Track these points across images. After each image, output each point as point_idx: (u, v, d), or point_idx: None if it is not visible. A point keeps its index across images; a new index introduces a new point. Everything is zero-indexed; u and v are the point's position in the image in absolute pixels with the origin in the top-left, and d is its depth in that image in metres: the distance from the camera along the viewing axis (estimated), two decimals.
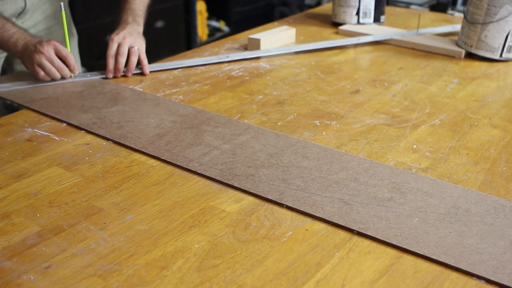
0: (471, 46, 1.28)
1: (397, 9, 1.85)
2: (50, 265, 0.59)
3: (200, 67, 1.21)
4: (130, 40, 1.13)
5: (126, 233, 0.64)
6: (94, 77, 1.13)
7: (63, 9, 1.10)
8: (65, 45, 1.11)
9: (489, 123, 0.96)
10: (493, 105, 1.04)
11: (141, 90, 1.07)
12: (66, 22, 1.11)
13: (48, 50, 1.03)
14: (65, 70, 1.07)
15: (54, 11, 1.27)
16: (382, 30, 1.48)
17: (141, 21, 1.21)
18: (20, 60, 1.08)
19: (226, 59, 1.21)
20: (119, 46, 1.12)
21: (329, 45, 1.34)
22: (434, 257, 0.60)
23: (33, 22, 1.24)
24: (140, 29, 1.19)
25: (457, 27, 1.46)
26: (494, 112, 1.00)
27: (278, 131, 0.90)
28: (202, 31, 3.16)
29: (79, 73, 1.12)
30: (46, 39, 1.06)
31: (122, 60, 1.12)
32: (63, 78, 1.09)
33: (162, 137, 0.87)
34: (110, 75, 1.13)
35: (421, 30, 1.44)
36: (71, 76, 1.10)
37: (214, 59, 1.22)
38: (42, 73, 1.05)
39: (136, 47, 1.13)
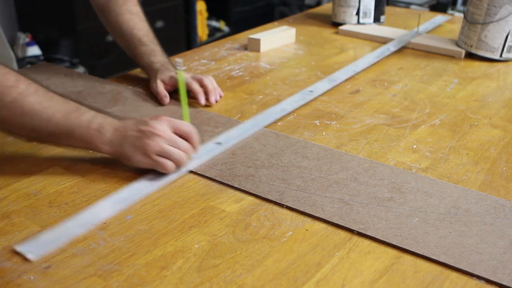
0: (471, 46, 1.28)
1: (397, 9, 1.85)
2: (50, 265, 0.59)
3: (200, 67, 1.21)
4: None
5: (126, 233, 0.64)
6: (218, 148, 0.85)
7: (182, 67, 0.81)
8: (182, 115, 0.82)
9: (489, 123, 0.96)
10: (493, 105, 1.04)
11: (141, 90, 1.07)
12: (182, 86, 0.81)
13: (165, 131, 0.74)
14: (191, 151, 0.76)
15: None
16: (382, 30, 1.48)
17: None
18: (112, 154, 0.75)
19: (311, 96, 1.05)
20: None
21: (368, 63, 1.24)
22: (434, 257, 0.60)
23: None
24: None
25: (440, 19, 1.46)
26: (494, 112, 1.00)
27: (278, 131, 0.90)
28: (202, 31, 3.16)
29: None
30: (149, 116, 0.77)
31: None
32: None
33: None
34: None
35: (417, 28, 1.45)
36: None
37: (299, 99, 1.03)
38: (169, 163, 0.73)
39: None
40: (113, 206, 0.69)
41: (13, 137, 0.81)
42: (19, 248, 0.60)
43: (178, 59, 0.80)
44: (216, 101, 1.02)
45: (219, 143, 0.84)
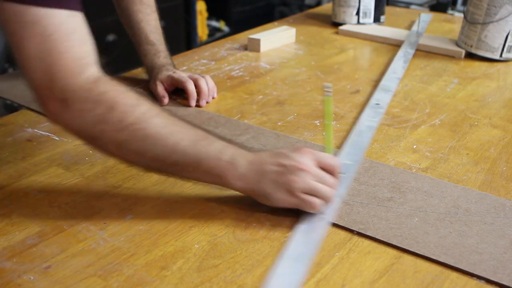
0: (471, 46, 1.28)
1: (397, 9, 1.85)
2: (50, 265, 0.59)
3: (200, 67, 1.21)
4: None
5: (126, 233, 0.64)
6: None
7: (330, 93, 0.70)
8: (325, 147, 0.74)
9: (489, 123, 0.96)
10: (493, 105, 1.04)
11: (141, 90, 1.07)
12: (328, 113, 0.71)
13: (311, 165, 0.65)
14: (337, 186, 0.68)
15: None
16: (382, 30, 1.48)
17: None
18: (245, 191, 0.67)
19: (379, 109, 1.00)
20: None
21: (403, 68, 1.21)
22: (434, 257, 0.60)
23: None
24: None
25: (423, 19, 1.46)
26: (494, 112, 1.00)
27: (278, 131, 0.90)
28: (202, 31, 3.15)
29: None
30: (287, 148, 0.68)
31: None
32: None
33: None
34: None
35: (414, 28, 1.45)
36: None
37: (373, 114, 0.97)
38: (318, 201, 0.65)
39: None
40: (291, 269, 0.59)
41: (130, 166, 0.71)
42: None
43: (327, 84, 0.70)
44: (208, 102, 1.02)
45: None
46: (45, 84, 0.60)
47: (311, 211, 0.66)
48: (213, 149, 0.65)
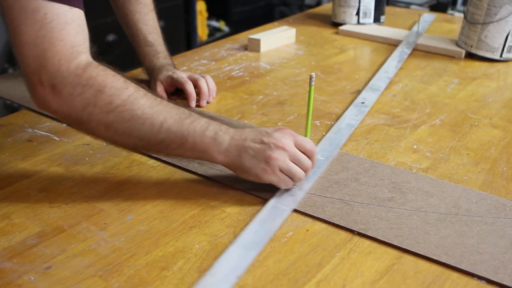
0: (471, 46, 1.28)
1: (397, 9, 1.85)
2: (50, 266, 0.59)
3: (200, 68, 1.21)
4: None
5: (126, 234, 0.64)
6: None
7: (313, 82, 0.75)
8: (305, 132, 0.78)
9: (490, 123, 0.96)
10: (494, 105, 1.04)
11: None
12: (310, 101, 0.76)
13: (290, 145, 0.68)
14: (310, 170, 0.71)
15: None
16: (382, 30, 1.48)
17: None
18: (227, 165, 0.70)
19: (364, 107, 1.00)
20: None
21: (396, 68, 1.21)
22: (435, 257, 0.60)
23: None
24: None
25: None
26: (495, 112, 1.00)
27: None
28: (202, 31, 3.15)
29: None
30: (270, 128, 0.71)
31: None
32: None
33: None
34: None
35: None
36: None
37: (357, 112, 0.97)
38: (290, 182, 0.69)
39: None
40: (246, 251, 0.61)
41: (116, 146, 0.73)
42: None
43: (312, 74, 0.74)
44: (208, 102, 1.02)
45: None
46: (37, 70, 0.62)
47: (283, 188, 0.70)
48: (197, 126, 0.68)
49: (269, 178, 0.68)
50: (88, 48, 0.66)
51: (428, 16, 1.65)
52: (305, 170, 0.69)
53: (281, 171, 0.68)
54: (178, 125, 0.67)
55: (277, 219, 0.67)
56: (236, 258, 0.59)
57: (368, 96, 1.05)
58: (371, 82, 1.12)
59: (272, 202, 0.70)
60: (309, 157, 0.70)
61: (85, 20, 0.66)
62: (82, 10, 0.65)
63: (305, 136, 0.76)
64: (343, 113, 0.98)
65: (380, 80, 1.13)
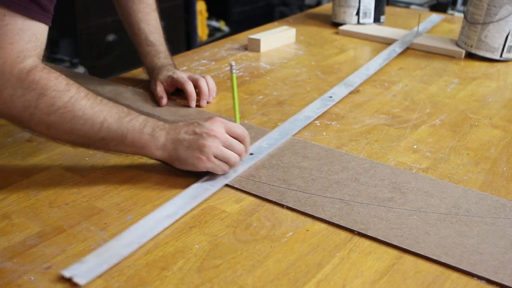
0: (471, 46, 1.28)
1: (397, 9, 1.85)
2: (50, 266, 0.59)
3: (200, 68, 1.21)
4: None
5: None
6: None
7: (234, 71, 0.79)
8: (235, 118, 0.82)
9: (490, 123, 0.96)
10: (494, 105, 1.04)
11: (141, 90, 1.06)
12: (235, 89, 0.80)
13: (221, 133, 0.73)
14: (244, 154, 0.76)
15: None
16: (382, 30, 1.48)
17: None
18: (165, 159, 0.75)
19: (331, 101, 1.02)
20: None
21: (379, 66, 1.22)
22: (435, 258, 0.60)
23: None
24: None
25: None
26: (495, 112, 1.00)
27: None
28: (202, 31, 3.15)
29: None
30: (202, 119, 0.75)
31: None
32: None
33: None
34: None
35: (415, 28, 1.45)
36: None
37: (321, 106, 0.99)
38: (226, 167, 0.74)
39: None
40: (158, 223, 0.65)
41: (59, 143, 0.77)
42: (67, 273, 0.56)
43: (232, 62, 0.79)
44: (208, 102, 1.02)
45: (251, 154, 0.81)
46: None
47: (220, 173, 0.74)
48: (136, 124, 0.72)
49: (204, 165, 0.72)
50: (39, 55, 0.69)
51: (435, 17, 1.64)
52: (239, 154, 0.74)
53: (215, 157, 0.72)
54: (118, 124, 0.70)
55: (198, 197, 0.70)
56: (145, 228, 0.64)
57: (338, 91, 1.07)
58: (347, 78, 1.13)
59: (200, 182, 0.73)
60: (241, 141, 0.74)
61: (45, 34, 0.68)
62: (46, 24, 0.68)
63: (235, 122, 0.80)
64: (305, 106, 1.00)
65: (357, 76, 1.15)
